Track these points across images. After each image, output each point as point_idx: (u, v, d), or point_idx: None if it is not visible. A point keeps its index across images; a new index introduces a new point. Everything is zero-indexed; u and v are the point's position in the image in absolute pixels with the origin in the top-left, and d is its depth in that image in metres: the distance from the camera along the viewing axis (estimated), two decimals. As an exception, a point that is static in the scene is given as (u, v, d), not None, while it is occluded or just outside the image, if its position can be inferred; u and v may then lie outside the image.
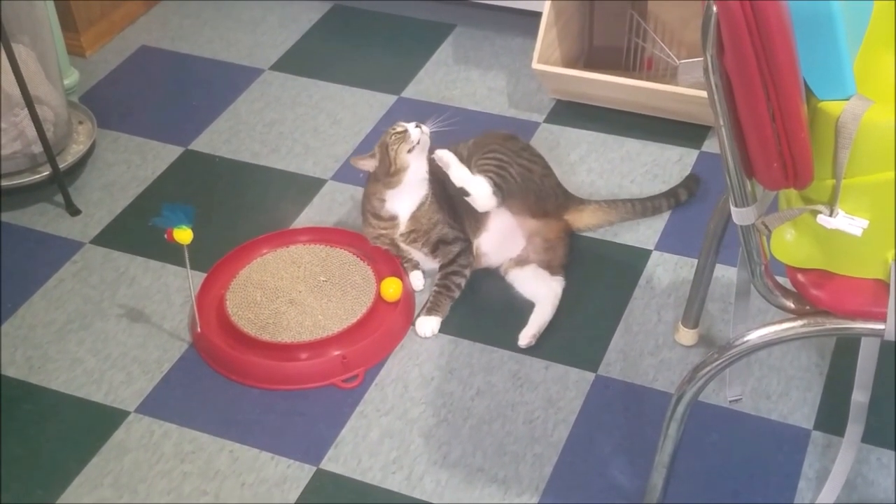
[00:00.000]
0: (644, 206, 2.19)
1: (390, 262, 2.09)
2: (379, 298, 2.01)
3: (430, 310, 2.01)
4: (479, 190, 1.99)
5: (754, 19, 1.11)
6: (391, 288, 2.01)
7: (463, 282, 2.05)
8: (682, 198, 2.23)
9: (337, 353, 1.93)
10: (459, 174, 1.99)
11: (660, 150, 2.39)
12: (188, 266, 1.90)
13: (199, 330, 1.97)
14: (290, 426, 1.85)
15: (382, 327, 1.97)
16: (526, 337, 1.95)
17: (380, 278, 2.04)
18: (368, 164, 2.05)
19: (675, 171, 2.32)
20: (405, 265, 2.09)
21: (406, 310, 2.03)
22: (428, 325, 2.00)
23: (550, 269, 2.05)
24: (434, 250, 2.05)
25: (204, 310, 2.01)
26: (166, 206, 1.86)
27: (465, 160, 2.04)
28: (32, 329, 2.05)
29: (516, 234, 2.08)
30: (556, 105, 2.54)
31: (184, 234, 1.85)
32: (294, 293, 2.03)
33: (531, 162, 2.11)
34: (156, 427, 1.86)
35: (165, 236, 1.86)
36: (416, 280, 2.09)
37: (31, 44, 2.27)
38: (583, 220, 2.16)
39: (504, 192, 2.01)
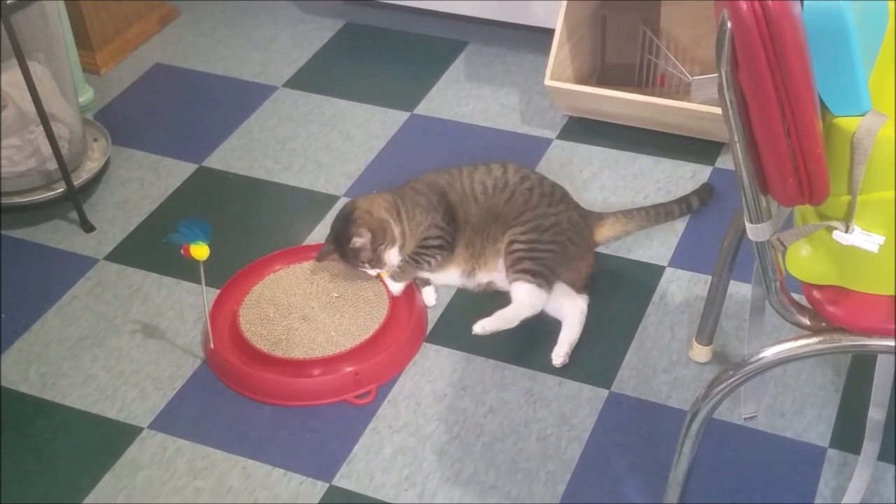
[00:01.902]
0: (658, 213, 2.20)
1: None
2: (392, 315, 2.01)
3: (398, 277, 2.04)
4: (529, 306, 1.96)
5: (769, 35, 1.11)
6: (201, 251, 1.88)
7: (433, 262, 2.05)
8: (694, 206, 2.23)
9: (349, 369, 1.92)
10: (506, 320, 1.95)
11: (673, 166, 2.39)
12: (203, 282, 1.90)
13: (212, 346, 1.97)
14: (303, 443, 1.85)
15: (395, 343, 1.97)
16: (559, 356, 1.94)
17: (392, 294, 2.04)
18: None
19: (689, 187, 2.31)
20: (416, 282, 2.09)
21: (419, 327, 2.03)
22: (399, 288, 2.04)
23: (575, 286, 2.04)
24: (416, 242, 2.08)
25: (217, 326, 2.01)
26: (182, 222, 1.87)
27: (459, 189, 2.08)
28: (46, 345, 2.06)
29: None
30: (569, 122, 2.54)
31: (200, 250, 1.85)
32: (307, 309, 2.03)
33: (551, 206, 2.07)
34: (169, 443, 1.86)
35: (182, 252, 1.86)
36: (429, 296, 2.09)
37: (47, 61, 2.28)
38: (603, 234, 2.16)
39: (549, 275, 1.98)
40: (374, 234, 2.01)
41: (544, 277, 1.98)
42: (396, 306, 2.03)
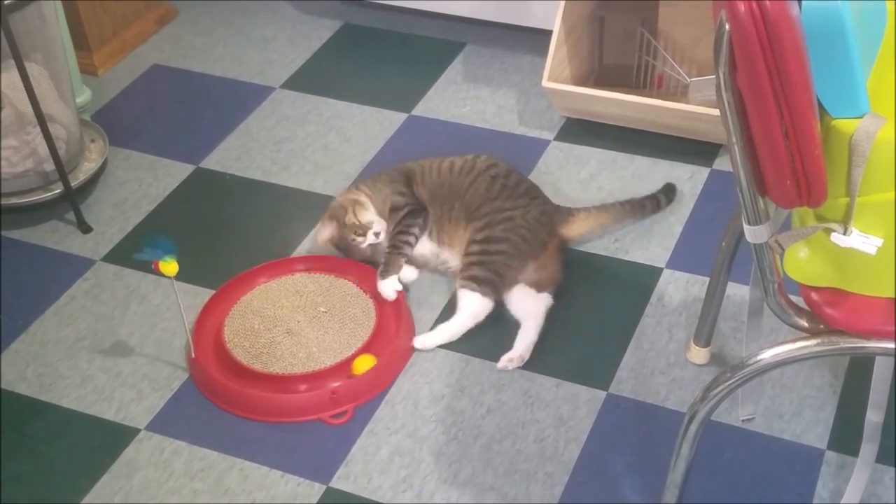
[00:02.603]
0: (633, 207, 2.22)
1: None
2: (375, 333, 1.96)
3: (384, 272, 2.03)
4: (472, 316, 1.98)
5: (767, 37, 1.11)
6: (365, 363, 1.93)
7: (412, 240, 2.08)
8: (662, 204, 2.25)
9: (326, 387, 1.88)
10: (448, 334, 1.97)
11: (670, 167, 2.39)
12: (178, 297, 1.89)
13: (193, 356, 1.95)
14: (300, 444, 1.85)
15: (375, 363, 1.92)
16: (503, 360, 1.94)
17: (381, 312, 2.00)
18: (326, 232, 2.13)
19: (686, 188, 2.32)
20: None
21: (403, 348, 1.98)
22: (389, 286, 2.02)
23: (538, 286, 2.03)
24: (387, 216, 2.12)
25: (204, 335, 1.99)
26: (147, 240, 1.85)
27: (426, 167, 2.15)
28: (44, 346, 2.06)
29: None
30: (566, 123, 2.54)
31: (169, 267, 1.83)
32: (292, 323, 1.99)
33: (509, 200, 2.09)
34: (166, 445, 1.86)
35: (153, 268, 1.85)
36: (409, 273, 2.09)
37: (44, 62, 2.28)
38: (574, 230, 2.14)
39: (496, 280, 1.99)
40: (335, 220, 2.10)
41: (490, 285, 1.99)
42: (382, 324, 1.98)
